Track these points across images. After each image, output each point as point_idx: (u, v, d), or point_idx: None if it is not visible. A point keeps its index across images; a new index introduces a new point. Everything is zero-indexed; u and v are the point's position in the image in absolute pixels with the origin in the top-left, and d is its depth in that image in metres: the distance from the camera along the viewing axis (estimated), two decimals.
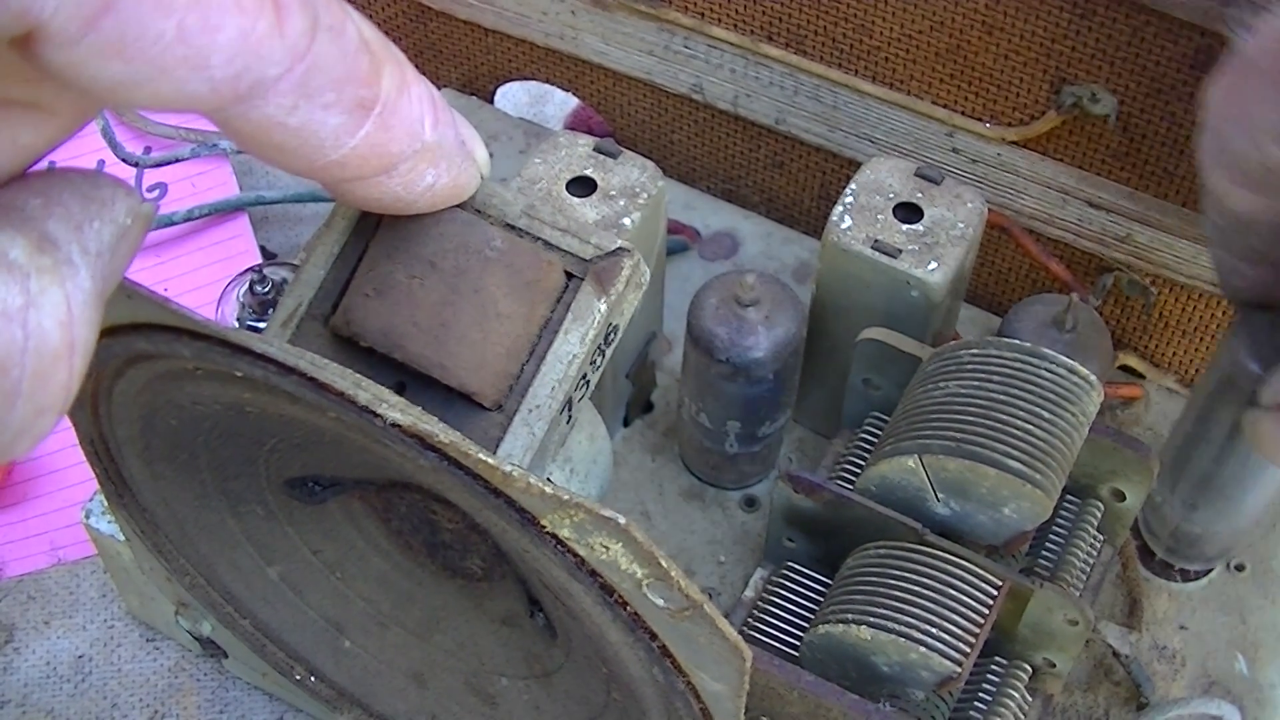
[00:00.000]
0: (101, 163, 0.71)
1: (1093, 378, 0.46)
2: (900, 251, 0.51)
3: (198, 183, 0.71)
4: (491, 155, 0.34)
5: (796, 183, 0.69)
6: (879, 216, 0.52)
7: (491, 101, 0.74)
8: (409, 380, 0.33)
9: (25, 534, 0.62)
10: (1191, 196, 0.58)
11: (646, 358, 0.59)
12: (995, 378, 0.46)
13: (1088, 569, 0.50)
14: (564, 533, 0.30)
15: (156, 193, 0.71)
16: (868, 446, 0.52)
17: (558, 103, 0.73)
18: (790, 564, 0.51)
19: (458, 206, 0.33)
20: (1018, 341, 0.47)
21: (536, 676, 0.42)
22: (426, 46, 0.73)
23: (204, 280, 0.69)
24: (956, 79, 0.60)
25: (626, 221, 0.51)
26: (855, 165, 0.64)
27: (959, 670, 0.44)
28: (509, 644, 0.42)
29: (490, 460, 0.29)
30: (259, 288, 0.60)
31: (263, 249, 0.70)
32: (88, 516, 0.54)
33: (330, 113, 0.27)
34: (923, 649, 0.44)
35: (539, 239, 0.34)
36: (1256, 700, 0.55)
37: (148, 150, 0.71)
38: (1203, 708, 0.53)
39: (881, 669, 0.46)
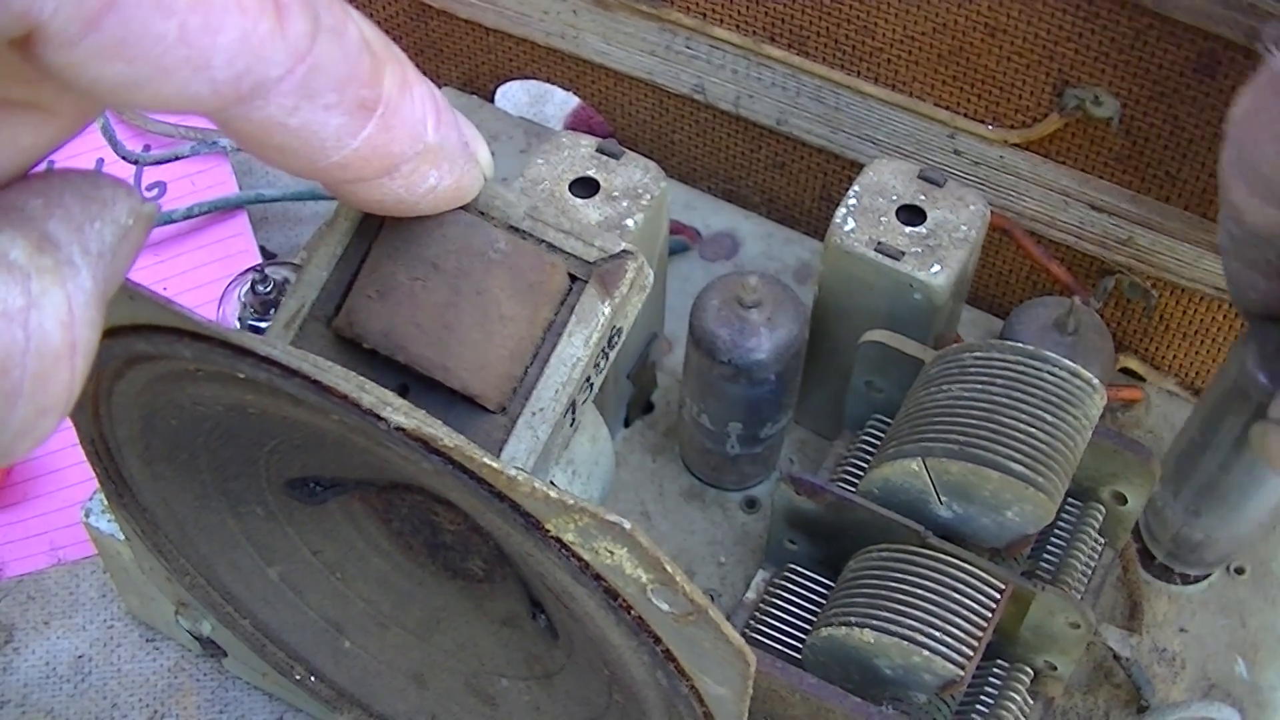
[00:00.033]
0: (101, 160, 0.71)
1: (1095, 381, 0.46)
2: (903, 254, 0.51)
3: (197, 181, 0.71)
4: (493, 155, 0.34)
5: (798, 184, 0.69)
6: (882, 219, 0.52)
7: (492, 101, 0.74)
8: (412, 382, 0.33)
9: (25, 534, 0.62)
10: (1194, 200, 0.58)
11: (647, 358, 0.59)
12: (998, 381, 0.46)
13: (1089, 572, 0.50)
14: (568, 537, 0.30)
15: (155, 191, 0.71)
16: (869, 449, 0.52)
17: (558, 102, 0.73)
18: (792, 566, 0.51)
19: (461, 208, 0.33)
20: (1020, 344, 0.47)
21: (537, 678, 0.42)
22: (427, 45, 0.73)
23: (203, 279, 0.69)
24: (959, 81, 0.60)
25: (629, 223, 0.51)
26: (857, 167, 0.64)
27: (961, 673, 0.44)
28: (510, 645, 0.42)
29: (495, 464, 0.28)
30: (260, 287, 0.60)
31: (262, 249, 0.70)
32: (88, 516, 0.54)
33: (332, 114, 0.27)
34: (926, 652, 0.44)
35: (543, 241, 0.34)
36: (1256, 703, 0.55)
37: (147, 148, 0.71)
38: (1203, 710, 0.53)
39: (884, 672, 0.45)
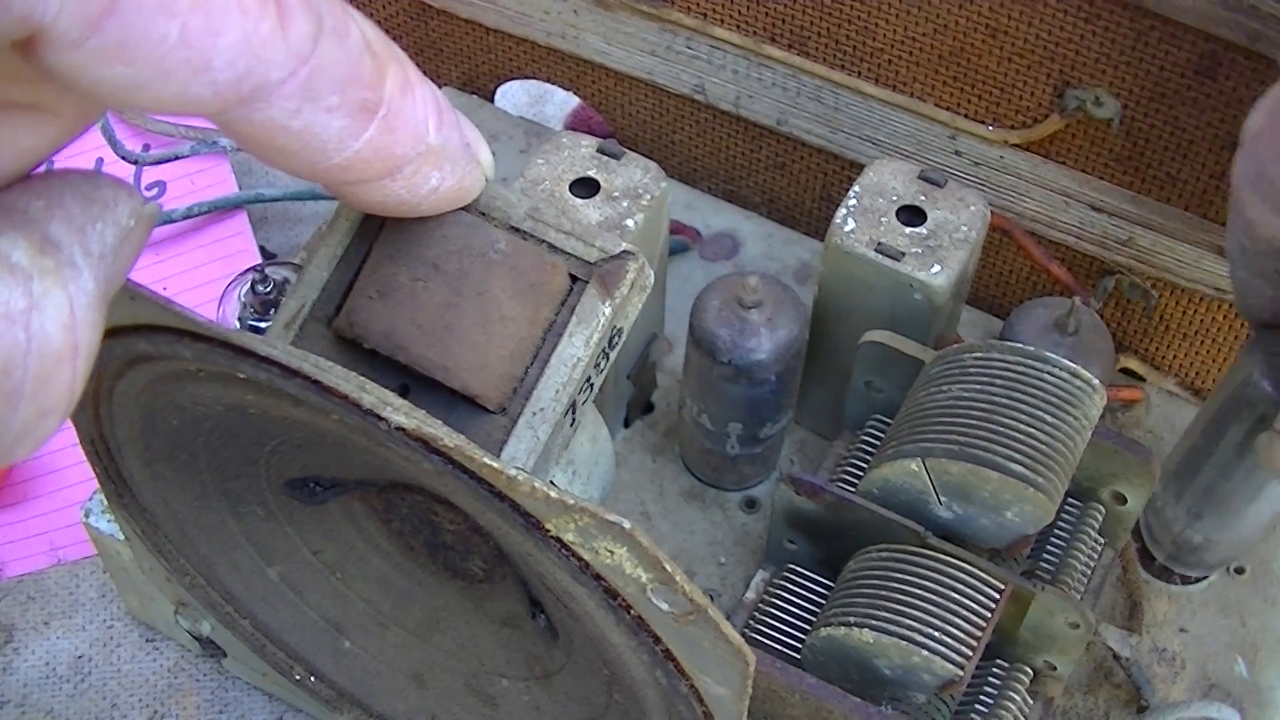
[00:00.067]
0: (100, 160, 0.71)
1: (1095, 382, 0.46)
2: (903, 254, 0.51)
3: (197, 180, 0.71)
4: (493, 155, 0.34)
5: (798, 184, 0.69)
6: (882, 219, 0.52)
7: (492, 101, 0.74)
8: (412, 383, 0.33)
9: (25, 534, 0.62)
10: (1194, 200, 0.58)
11: (647, 358, 0.59)
12: (998, 381, 0.46)
13: (1089, 572, 0.50)
14: (568, 537, 0.30)
15: (155, 190, 0.71)
16: (869, 449, 0.52)
17: (558, 102, 0.73)
18: (791, 566, 0.51)
19: (462, 209, 0.33)
20: (1020, 345, 0.47)
21: (537, 678, 0.42)
22: (427, 45, 0.73)
23: (203, 279, 0.69)
24: (959, 81, 0.60)
25: (630, 223, 0.51)
26: (857, 167, 0.64)
27: (961, 673, 0.44)
28: (509, 645, 0.42)
29: (495, 465, 0.28)
30: (261, 287, 0.60)
31: (262, 249, 0.70)
32: (87, 515, 0.54)
33: (334, 116, 0.27)
34: (925, 652, 0.44)
35: (543, 242, 0.34)
36: (1256, 703, 0.55)
37: (146, 148, 0.71)
38: (1203, 710, 0.53)
39: (884, 672, 0.46)
